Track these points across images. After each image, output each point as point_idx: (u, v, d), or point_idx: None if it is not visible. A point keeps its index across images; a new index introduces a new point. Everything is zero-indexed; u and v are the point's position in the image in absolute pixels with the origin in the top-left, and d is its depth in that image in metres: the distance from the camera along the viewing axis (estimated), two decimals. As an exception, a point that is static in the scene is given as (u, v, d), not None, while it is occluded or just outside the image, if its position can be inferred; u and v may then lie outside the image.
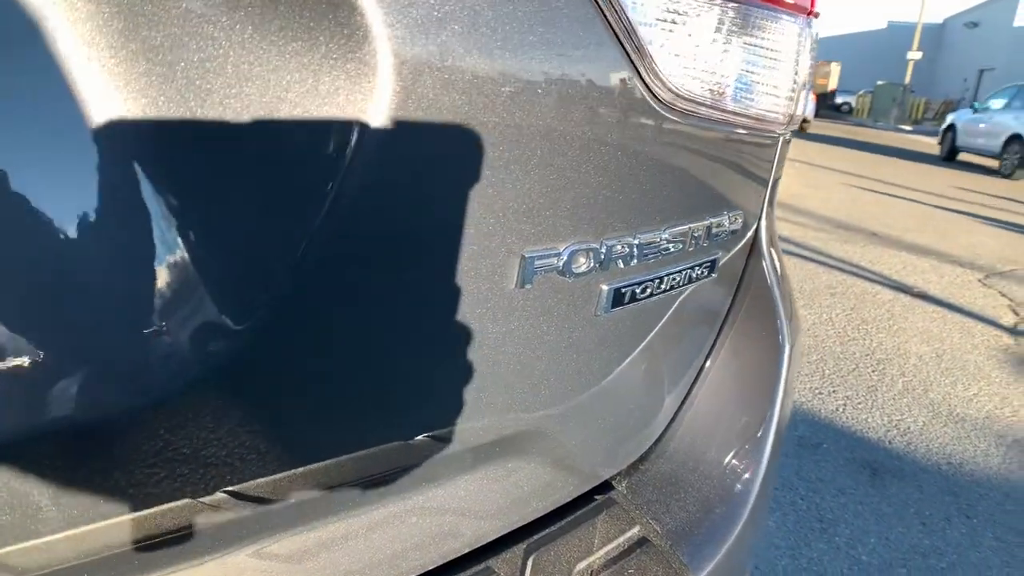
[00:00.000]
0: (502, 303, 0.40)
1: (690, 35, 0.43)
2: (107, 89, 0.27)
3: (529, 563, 0.47)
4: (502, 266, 0.39)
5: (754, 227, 0.60)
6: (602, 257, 0.44)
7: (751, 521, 0.52)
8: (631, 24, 0.39)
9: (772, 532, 1.65)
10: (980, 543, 1.68)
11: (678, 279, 0.50)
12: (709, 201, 0.51)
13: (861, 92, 30.15)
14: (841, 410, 2.33)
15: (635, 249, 0.46)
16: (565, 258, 0.42)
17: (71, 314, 0.29)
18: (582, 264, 0.43)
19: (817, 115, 19.07)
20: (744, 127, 0.51)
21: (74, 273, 0.29)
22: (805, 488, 1.85)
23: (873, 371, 2.67)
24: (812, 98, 17.56)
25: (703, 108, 0.46)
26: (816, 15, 0.54)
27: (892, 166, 10.51)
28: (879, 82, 27.88)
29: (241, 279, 0.32)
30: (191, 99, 0.29)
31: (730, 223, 0.53)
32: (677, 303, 0.53)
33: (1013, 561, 1.62)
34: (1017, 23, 25.93)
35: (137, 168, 0.28)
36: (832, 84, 30.70)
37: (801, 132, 16.71)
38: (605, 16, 0.38)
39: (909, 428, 2.24)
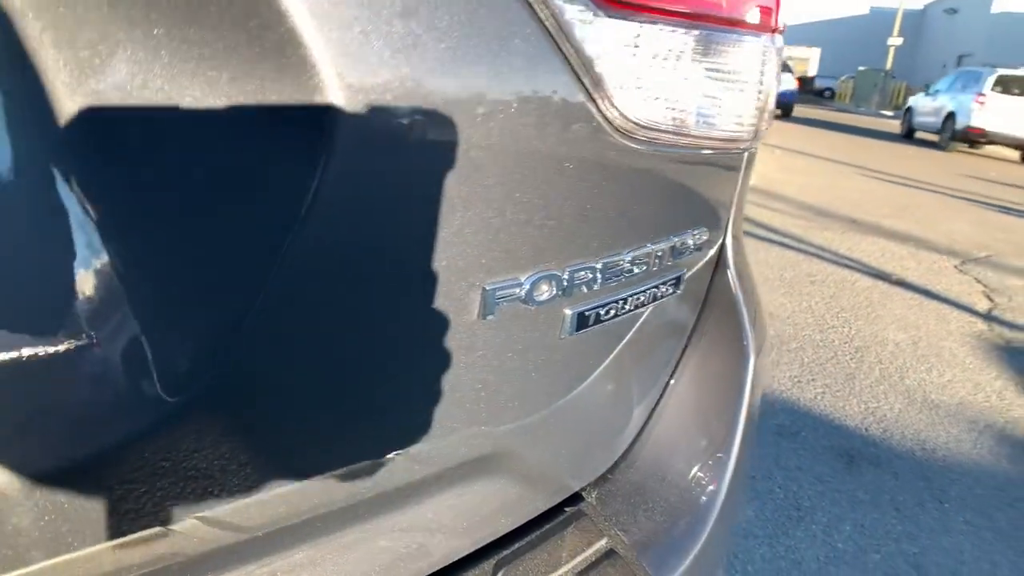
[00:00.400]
0: (465, 335, 0.40)
1: (649, 65, 0.43)
2: (50, 139, 0.27)
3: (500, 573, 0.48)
4: (463, 300, 0.39)
5: (720, 240, 0.60)
6: (565, 284, 0.44)
7: (716, 530, 0.53)
8: (587, 58, 0.39)
9: (751, 521, 1.68)
10: (951, 528, 1.73)
11: (643, 298, 0.51)
12: (673, 221, 0.52)
13: (843, 77, 30.33)
14: (819, 398, 2.37)
15: (598, 274, 0.46)
16: (527, 287, 0.42)
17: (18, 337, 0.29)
18: (545, 292, 0.43)
19: (799, 101, 19.21)
20: (708, 147, 0.51)
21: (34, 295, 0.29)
22: (783, 477, 1.89)
23: (851, 359, 2.72)
24: (795, 84, 17.69)
25: (665, 135, 0.46)
26: (781, 31, 0.54)
27: (869, 150, 10.65)
28: (860, 68, 28.04)
29: (211, 311, 0.32)
30: (135, 153, 0.28)
31: (695, 240, 0.54)
32: (643, 319, 0.54)
33: (982, 543, 1.67)
34: (995, 10, 26.19)
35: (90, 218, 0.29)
36: (811, 70, 30.83)
37: (785, 116, 16.91)
38: (561, 51, 0.38)
39: (885, 415, 2.29)
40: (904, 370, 2.65)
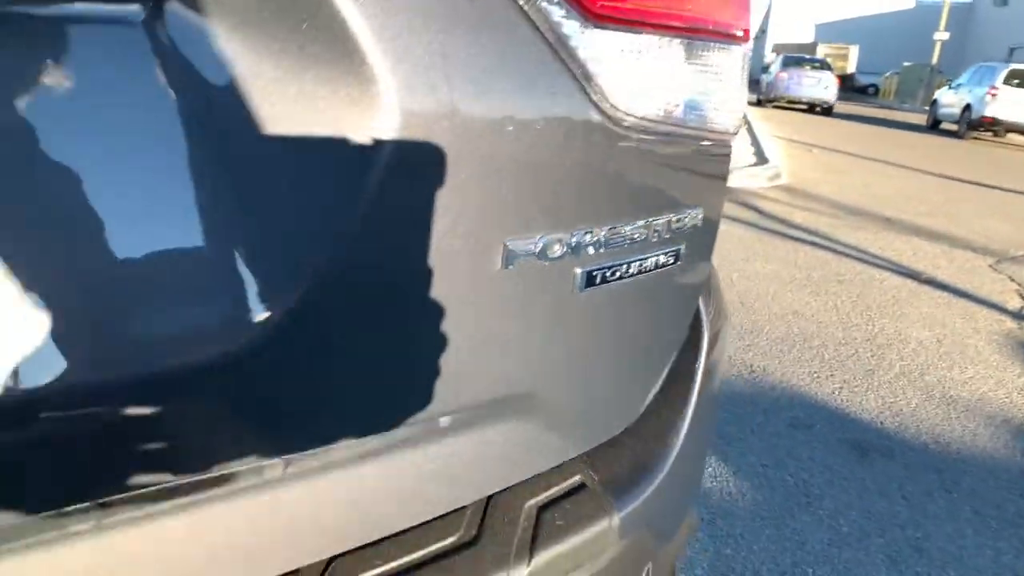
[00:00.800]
0: (492, 281, 0.49)
1: (639, 67, 0.53)
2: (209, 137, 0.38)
3: (492, 501, 0.60)
4: (489, 253, 0.48)
5: (716, 222, 0.68)
6: (573, 245, 0.52)
7: (668, 478, 0.64)
8: (582, 63, 0.49)
9: (760, 505, 1.77)
10: (957, 516, 1.78)
11: (645, 265, 0.58)
12: (668, 201, 0.60)
13: (888, 74, 29.47)
14: (837, 393, 2.42)
15: (603, 239, 0.54)
16: (541, 246, 0.51)
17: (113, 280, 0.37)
18: (556, 251, 0.52)
19: (840, 98, 18.67)
20: (695, 138, 0.60)
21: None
22: (795, 466, 1.96)
23: (872, 356, 2.75)
24: (836, 81, 17.24)
25: (658, 125, 0.55)
26: (748, 40, 0.62)
27: (906, 145, 10.41)
28: (905, 63, 27.22)
29: (276, 267, 0.41)
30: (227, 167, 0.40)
31: (691, 219, 0.62)
32: (649, 289, 0.62)
33: (986, 530, 1.72)
34: (1050, -1, 25.08)
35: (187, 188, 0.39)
36: (850, 67, 30.02)
37: (826, 114, 16.55)
38: (562, 59, 0.48)
39: (902, 410, 2.33)
40: (925, 367, 2.68)
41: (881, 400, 2.39)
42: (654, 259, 0.60)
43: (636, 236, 0.57)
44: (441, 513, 0.58)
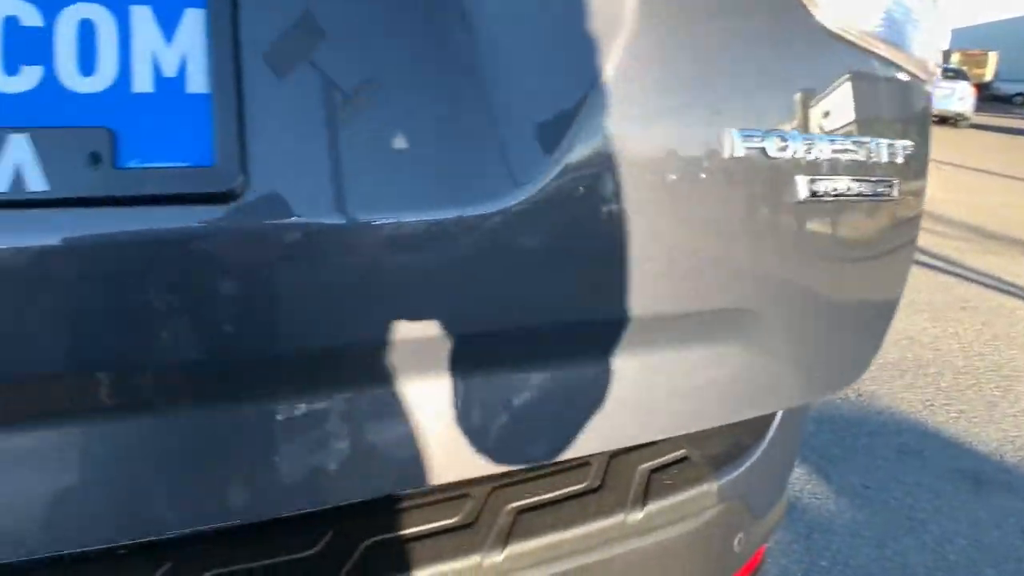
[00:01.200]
0: (720, 164, 0.53)
1: None
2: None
3: (611, 463, 0.74)
4: (718, 139, 0.53)
5: (925, 172, 0.70)
6: (797, 147, 0.56)
7: (762, 460, 0.73)
8: None
9: (860, 524, 1.78)
10: (1087, 558, 1.69)
11: (862, 189, 0.61)
12: (880, 123, 0.63)
13: (1040, 80, 26.51)
14: (952, 422, 2.34)
15: (822, 150, 0.57)
16: (767, 142, 0.54)
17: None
18: (779, 149, 0.55)
19: (978, 109, 16.94)
20: (899, 67, 0.65)
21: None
22: (900, 490, 1.94)
23: (996, 387, 2.61)
24: (972, 91, 15.78)
25: (867, 42, 0.61)
26: None
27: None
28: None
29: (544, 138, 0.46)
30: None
31: (902, 152, 0.64)
32: (865, 223, 0.64)
33: (1117, 575, 1.63)
34: None
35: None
36: (988, 75, 27.22)
37: (954, 125, 15.21)
38: None
39: (1027, 445, 2.21)
40: (1059, 403, 2.51)
41: (1003, 433, 2.28)
42: (871, 185, 0.62)
43: (852, 153, 0.60)
44: (659, 438, 0.62)
